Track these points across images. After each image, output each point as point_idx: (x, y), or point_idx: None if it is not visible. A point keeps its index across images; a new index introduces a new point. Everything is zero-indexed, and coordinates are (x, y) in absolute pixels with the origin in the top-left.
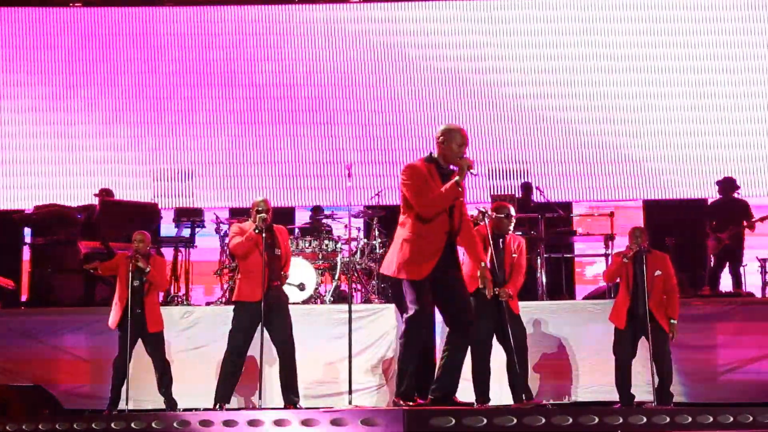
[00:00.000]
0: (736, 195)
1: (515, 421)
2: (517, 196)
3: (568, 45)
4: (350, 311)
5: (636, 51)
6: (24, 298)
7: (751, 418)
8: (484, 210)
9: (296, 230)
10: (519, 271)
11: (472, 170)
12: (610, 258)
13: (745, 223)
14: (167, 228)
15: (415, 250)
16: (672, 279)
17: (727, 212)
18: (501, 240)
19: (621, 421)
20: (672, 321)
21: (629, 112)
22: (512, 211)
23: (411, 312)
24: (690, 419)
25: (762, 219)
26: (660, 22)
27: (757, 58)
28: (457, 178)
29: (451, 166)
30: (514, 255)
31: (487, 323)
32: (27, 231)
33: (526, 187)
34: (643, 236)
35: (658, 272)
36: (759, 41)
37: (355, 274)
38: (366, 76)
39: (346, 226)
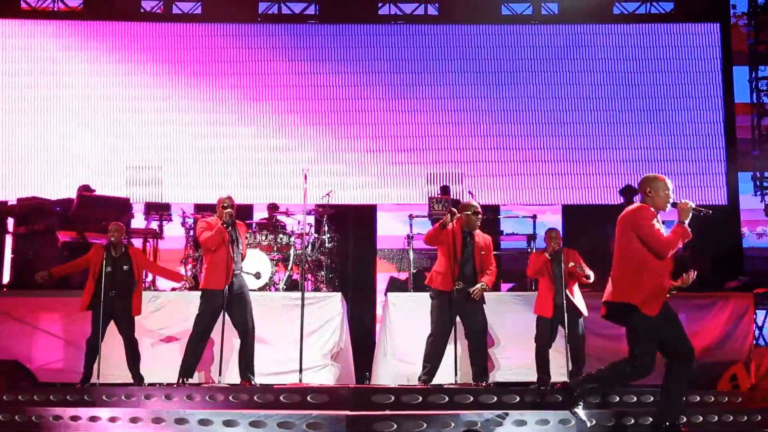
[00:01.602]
0: (635, 200)
1: (447, 399)
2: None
3: (503, 67)
4: (302, 298)
5: (560, 76)
6: (6, 281)
7: (651, 398)
8: (453, 212)
9: (254, 225)
10: (491, 262)
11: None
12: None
13: None
14: (138, 220)
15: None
16: (581, 262)
17: None
18: (470, 237)
19: (538, 400)
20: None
21: (551, 125)
22: (479, 209)
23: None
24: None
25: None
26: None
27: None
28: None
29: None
30: (482, 252)
31: (450, 315)
32: (10, 221)
33: (444, 189)
34: (558, 236)
35: (571, 264)
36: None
37: (307, 265)
38: (316, 88)
39: (299, 222)
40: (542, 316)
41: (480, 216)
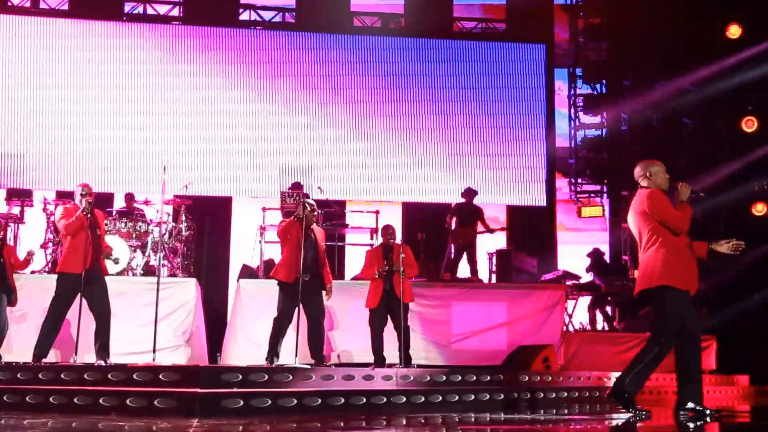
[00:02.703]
0: (474, 202)
1: (290, 377)
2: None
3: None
4: (158, 283)
5: (406, 83)
6: None
7: (475, 377)
8: (306, 205)
9: (114, 212)
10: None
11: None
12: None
13: (482, 227)
14: None
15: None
16: (412, 259)
17: (466, 215)
18: (310, 231)
19: (375, 378)
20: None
21: (396, 129)
22: (315, 206)
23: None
24: (429, 378)
25: (493, 230)
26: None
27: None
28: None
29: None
30: (323, 243)
31: (294, 302)
32: None
33: (297, 185)
34: (393, 232)
35: (402, 255)
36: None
37: (164, 252)
38: (180, 86)
39: (158, 211)
40: (373, 307)
41: (316, 212)
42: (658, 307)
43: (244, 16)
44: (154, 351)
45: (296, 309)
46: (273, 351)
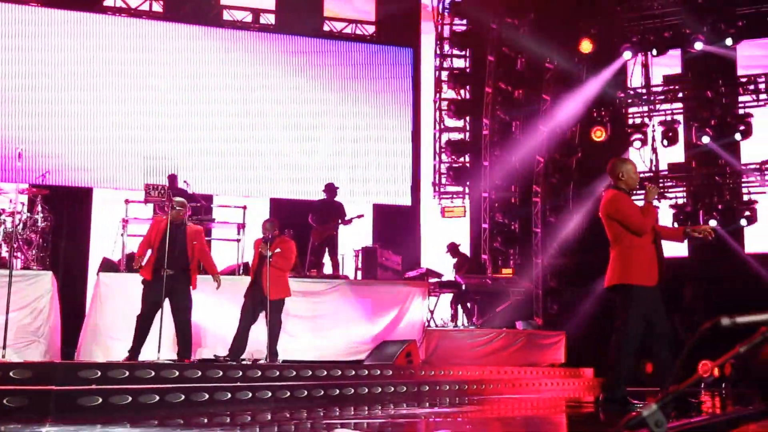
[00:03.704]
0: (336, 198)
1: (153, 373)
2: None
3: (221, 66)
4: (10, 276)
5: (274, 80)
6: None
7: (340, 372)
8: (182, 203)
9: None
10: (206, 252)
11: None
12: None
13: (340, 221)
14: None
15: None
16: (287, 253)
17: (327, 211)
18: (177, 228)
19: (241, 374)
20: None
21: (261, 127)
22: (186, 204)
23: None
24: (294, 373)
25: (350, 220)
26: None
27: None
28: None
29: None
30: (194, 242)
31: (158, 298)
32: None
33: (171, 178)
34: (273, 226)
35: (278, 250)
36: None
37: (17, 244)
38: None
39: (11, 201)
40: (247, 298)
41: (181, 209)
42: (621, 304)
43: (109, 2)
44: (3, 347)
45: (159, 305)
46: (135, 346)
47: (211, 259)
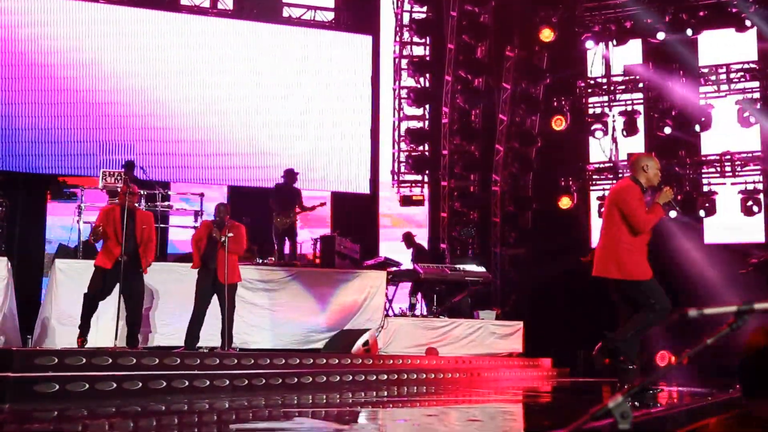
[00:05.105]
0: (294, 185)
1: (110, 360)
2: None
3: (174, 52)
4: None
5: (231, 66)
6: None
7: (298, 361)
8: (134, 192)
9: None
10: (152, 239)
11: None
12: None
13: (298, 209)
14: None
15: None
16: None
17: (285, 196)
18: (129, 214)
19: (199, 362)
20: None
21: (220, 113)
22: (135, 189)
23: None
24: (252, 361)
25: (313, 207)
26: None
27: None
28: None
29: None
30: (143, 227)
31: (108, 284)
32: None
33: (129, 165)
34: (225, 210)
35: (230, 234)
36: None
37: None
38: None
39: None
40: (199, 283)
41: (135, 195)
42: (643, 294)
43: None
44: None
45: (111, 290)
46: (83, 330)
47: (154, 247)
